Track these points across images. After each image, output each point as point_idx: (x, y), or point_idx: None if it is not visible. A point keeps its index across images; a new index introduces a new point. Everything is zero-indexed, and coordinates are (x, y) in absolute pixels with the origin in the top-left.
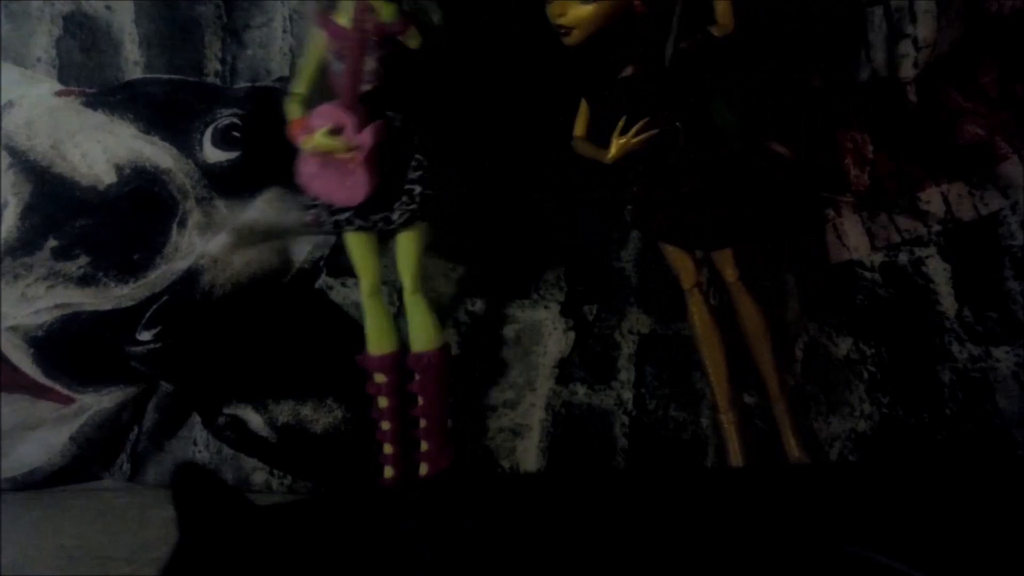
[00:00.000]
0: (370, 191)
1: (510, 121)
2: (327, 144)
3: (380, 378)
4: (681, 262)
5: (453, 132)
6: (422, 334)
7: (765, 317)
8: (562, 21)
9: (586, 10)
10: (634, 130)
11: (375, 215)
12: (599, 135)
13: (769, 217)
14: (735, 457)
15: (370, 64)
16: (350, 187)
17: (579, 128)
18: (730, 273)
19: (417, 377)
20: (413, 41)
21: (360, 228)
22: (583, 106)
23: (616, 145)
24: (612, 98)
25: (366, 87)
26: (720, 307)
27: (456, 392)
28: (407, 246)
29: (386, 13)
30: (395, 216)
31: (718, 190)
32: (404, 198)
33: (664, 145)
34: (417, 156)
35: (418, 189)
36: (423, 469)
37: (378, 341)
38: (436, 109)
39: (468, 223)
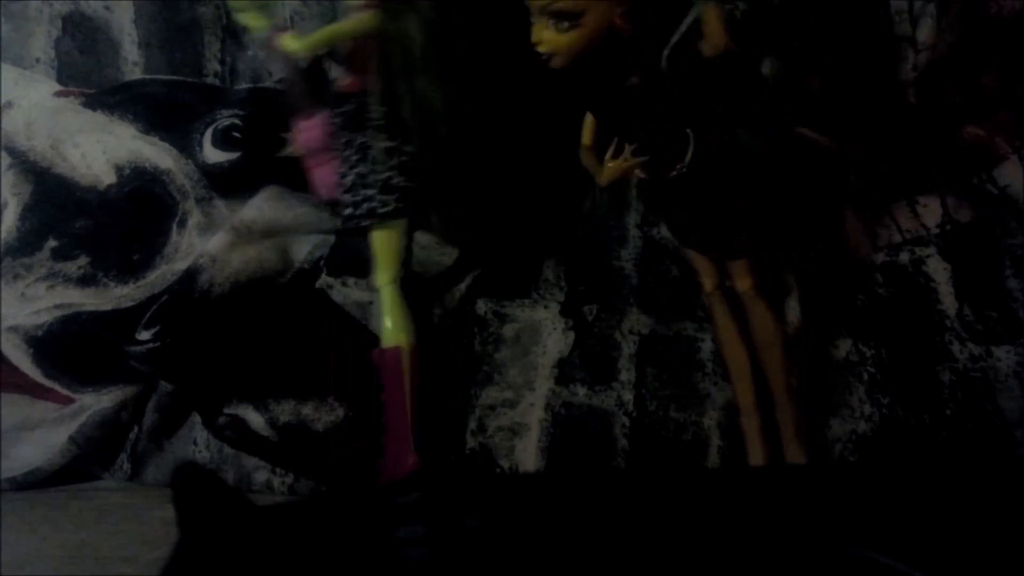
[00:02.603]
0: (319, 184)
1: (510, 118)
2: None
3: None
4: (702, 265)
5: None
6: (388, 329)
7: (778, 324)
8: (541, 49)
9: (562, 39)
10: (627, 152)
11: (355, 210)
12: (607, 144)
13: (788, 224)
14: (755, 460)
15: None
16: (318, 184)
17: (586, 137)
18: (743, 282)
19: (381, 374)
20: (291, 44)
21: (348, 223)
22: (589, 116)
23: (608, 168)
24: (618, 107)
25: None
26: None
27: (456, 391)
28: (384, 236)
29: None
30: (376, 207)
31: (735, 197)
32: (378, 191)
33: (675, 153)
34: (395, 146)
35: (397, 180)
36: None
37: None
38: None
39: (468, 221)
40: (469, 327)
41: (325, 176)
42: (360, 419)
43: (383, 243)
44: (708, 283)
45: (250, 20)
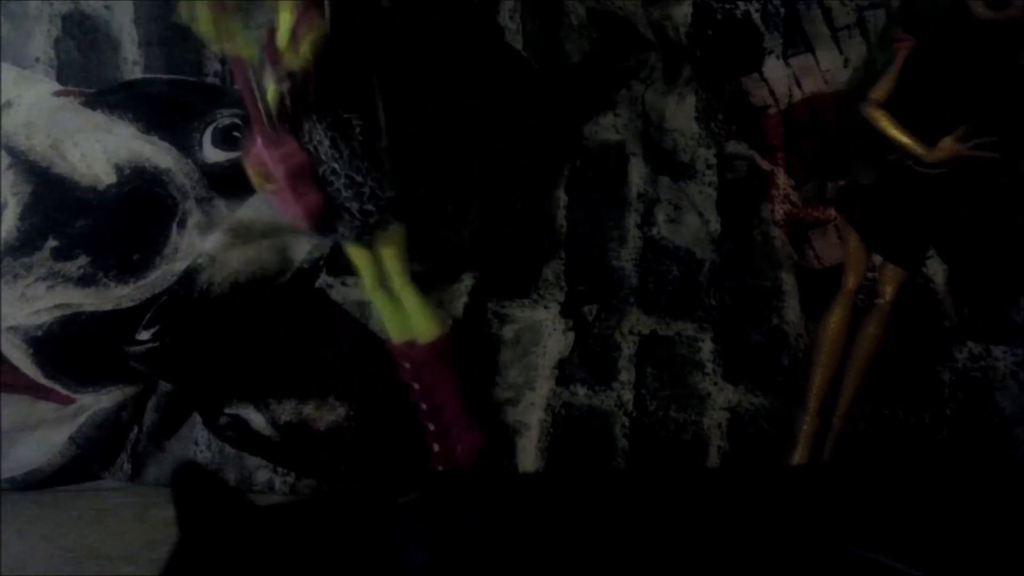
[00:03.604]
0: (305, 213)
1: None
2: (256, 181)
3: (407, 364)
4: (856, 260)
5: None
6: (426, 324)
7: (880, 346)
8: None
9: None
10: (973, 141)
11: (331, 233)
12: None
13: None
14: (800, 459)
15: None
16: (291, 213)
17: (882, 90)
18: (889, 293)
19: (424, 367)
20: (295, 62)
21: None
22: (898, 61)
23: (946, 148)
24: (948, 81)
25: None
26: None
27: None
28: (381, 249)
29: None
30: (346, 233)
31: (945, 212)
32: (346, 216)
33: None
34: (348, 174)
35: (356, 206)
36: (451, 452)
37: (398, 329)
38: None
39: (467, 222)
40: (469, 327)
41: (312, 203)
42: (369, 419)
43: (392, 247)
44: (851, 280)
45: (242, 50)
